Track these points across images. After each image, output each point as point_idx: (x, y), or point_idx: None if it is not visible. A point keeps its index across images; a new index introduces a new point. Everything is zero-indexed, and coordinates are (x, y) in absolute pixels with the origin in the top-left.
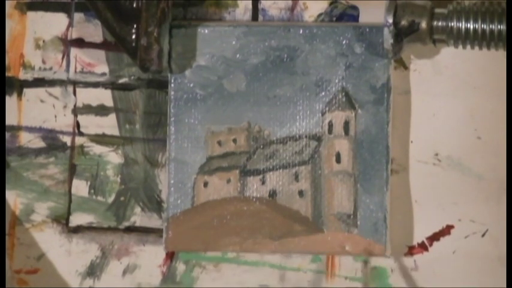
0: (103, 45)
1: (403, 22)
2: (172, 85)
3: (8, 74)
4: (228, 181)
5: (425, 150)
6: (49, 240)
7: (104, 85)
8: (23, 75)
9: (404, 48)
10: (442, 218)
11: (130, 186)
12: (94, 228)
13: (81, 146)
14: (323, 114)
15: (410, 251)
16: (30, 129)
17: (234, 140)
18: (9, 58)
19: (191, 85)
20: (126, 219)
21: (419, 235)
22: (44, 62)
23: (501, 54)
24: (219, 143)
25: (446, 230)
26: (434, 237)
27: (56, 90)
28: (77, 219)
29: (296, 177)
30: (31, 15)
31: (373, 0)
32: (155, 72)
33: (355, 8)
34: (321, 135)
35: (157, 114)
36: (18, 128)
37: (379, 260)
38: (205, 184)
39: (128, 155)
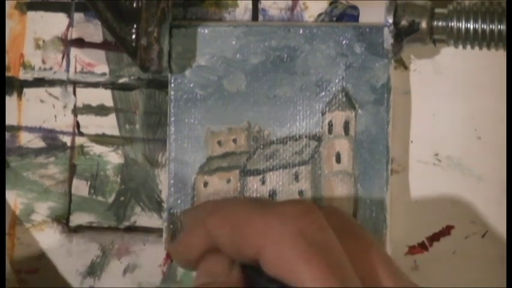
0: (103, 45)
1: (403, 22)
2: (172, 85)
3: (8, 74)
4: (228, 181)
5: (425, 150)
6: (49, 240)
7: (104, 85)
8: (23, 75)
9: (404, 48)
10: (442, 218)
11: (131, 186)
12: (94, 228)
13: (81, 146)
14: (323, 114)
15: (410, 251)
16: (30, 129)
17: (234, 140)
18: (9, 58)
19: (191, 85)
20: (126, 219)
21: (419, 235)
22: (44, 62)
23: (501, 54)
24: (219, 143)
25: (446, 230)
26: (434, 237)
27: (56, 90)
28: (77, 219)
29: (296, 177)
30: (31, 15)
31: (373, 0)
32: (155, 72)
33: (355, 8)
34: (321, 135)
35: (157, 114)
36: (18, 128)
37: None
38: (205, 184)
39: (128, 155)
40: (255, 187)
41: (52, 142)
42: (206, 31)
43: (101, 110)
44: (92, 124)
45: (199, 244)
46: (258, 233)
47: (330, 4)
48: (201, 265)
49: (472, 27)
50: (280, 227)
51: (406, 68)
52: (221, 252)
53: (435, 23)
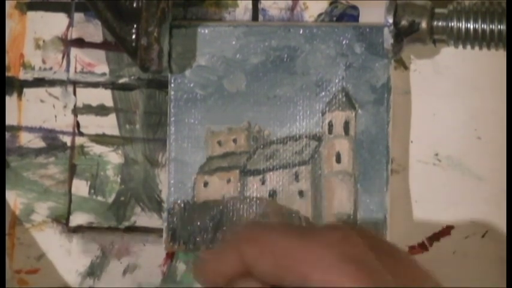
0: (103, 45)
1: (403, 22)
2: (172, 85)
3: (8, 74)
4: (228, 181)
5: (425, 150)
6: (49, 240)
7: (104, 85)
8: (23, 75)
9: (404, 48)
10: (442, 218)
11: (130, 186)
12: (94, 228)
13: (81, 146)
14: (323, 114)
15: (410, 251)
16: (30, 129)
17: (234, 140)
18: (9, 58)
19: (191, 85)
20: (126, 219)
21: (419, 235)
22: (44, 62)
23: (501, 54)
24: (219, 143)
25: (446, 230)
26: (434, 237)
27: (56, 90)
28: (77, 219)
29: (296, 177)
30: (31, 15)
31: (373, 0)
32: (155, 72)
33: (355, 8)
34: (321, 135)
35: (157, 114)
36: (18, 128)
37: None
38: (205, 184)
39: (128, 155)
40: (255, 187)
41: (52, 142)
42: (206, 31)
43: (101, 110)
44: (92, 124)
45: (231, 269)
46: (303, 262)
47: (330, 4)
48: None
49: (472, 27)
50: (324, 253)
51: (406, 68)
52: (251, 277)
53: (435, 23)
